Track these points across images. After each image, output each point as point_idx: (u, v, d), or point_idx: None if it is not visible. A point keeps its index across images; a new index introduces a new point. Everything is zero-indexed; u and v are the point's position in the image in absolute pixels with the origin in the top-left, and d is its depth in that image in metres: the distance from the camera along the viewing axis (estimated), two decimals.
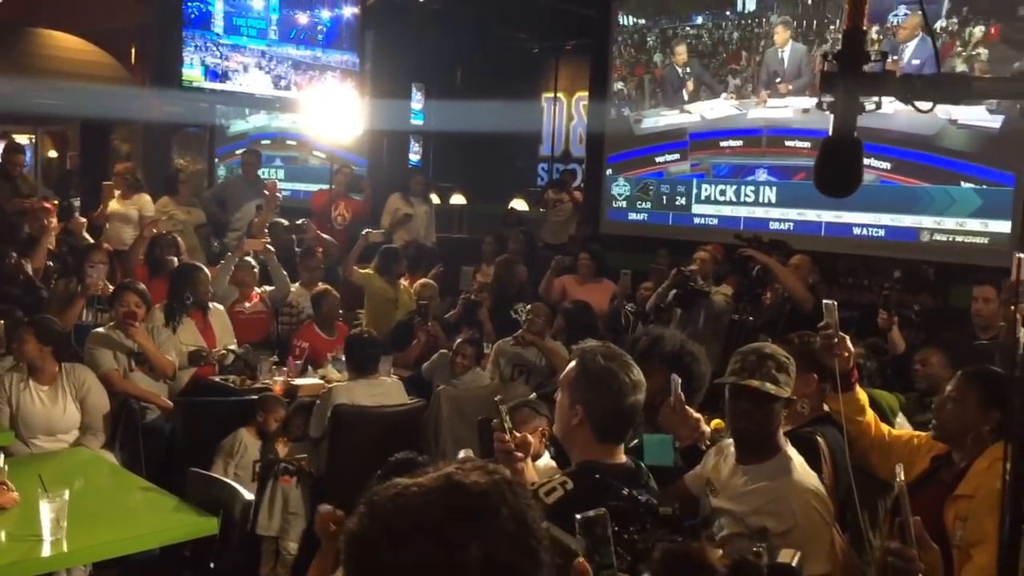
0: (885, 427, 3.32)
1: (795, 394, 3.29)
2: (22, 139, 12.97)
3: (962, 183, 7.54)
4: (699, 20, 9.32)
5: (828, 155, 1.58)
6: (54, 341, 4.88)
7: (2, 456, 3.93)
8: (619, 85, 9.99)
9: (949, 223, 7.65)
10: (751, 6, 8.88)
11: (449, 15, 11.68)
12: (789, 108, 8.59)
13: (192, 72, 7.98)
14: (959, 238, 7.61)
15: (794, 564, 1.98)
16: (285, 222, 8.11)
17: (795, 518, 2.61)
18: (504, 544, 1.02)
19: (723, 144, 9.07)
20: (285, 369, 5.90)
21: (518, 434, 2.48)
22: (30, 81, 9.57)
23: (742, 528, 2.66)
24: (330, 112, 8.86)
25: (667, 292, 6.30)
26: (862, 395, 3.29)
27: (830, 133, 1.53)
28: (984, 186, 7.45)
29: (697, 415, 3.19)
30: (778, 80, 8.68)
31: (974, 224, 7.51)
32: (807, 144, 8.32)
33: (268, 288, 6.92)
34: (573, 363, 2.56)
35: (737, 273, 6.18)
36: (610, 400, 2.44)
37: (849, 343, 3.19)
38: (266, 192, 7.78)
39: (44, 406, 4.78)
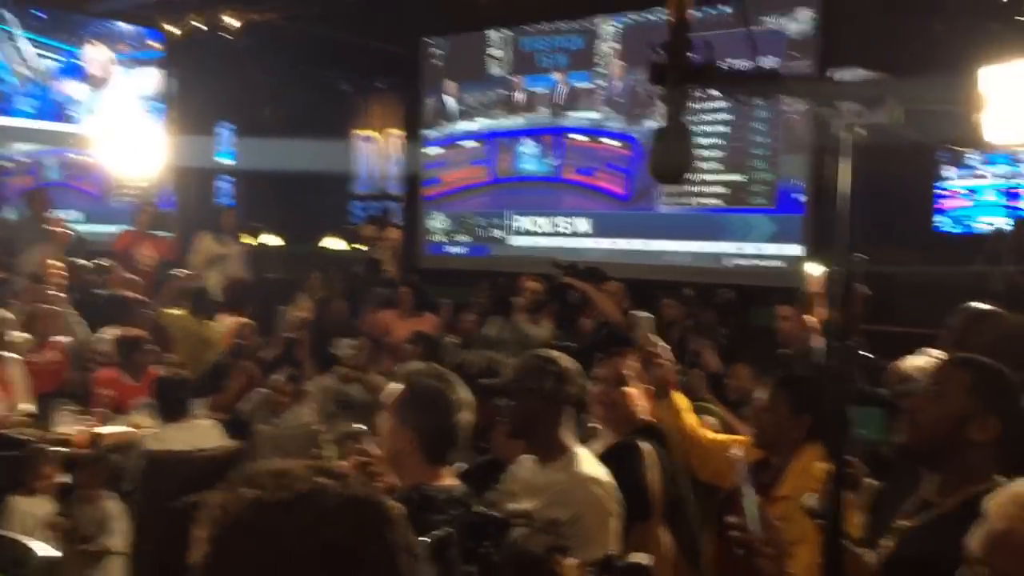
0: (706, 432, 3.46)
1: (618, 405, 3.40)
2: None
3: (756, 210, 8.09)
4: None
5: (660, 143, 1.64)
6: None
7: None
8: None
9: (749, 248, 8.15)
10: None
11: (257, 52, 11.45)
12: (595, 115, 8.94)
13: None
14: (758, 262, 8.11)
15: (645, 563, 2.03)
16: (88, 264, 7.62)
17: (579, 506, 2.72)
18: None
19: (523, 147, 9.29)
20: (88, 419, 5.50)
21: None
22: None
23: (536, 523, 2.72)
24: (127, 147, 8.43)
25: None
26: (682, 400, 3.41)
27: (662, 122, 1.59)
28: (778, 213, 8.00)
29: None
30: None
31: (770, 248, 8.04)
32: (615, 143, 8.65)
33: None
34: (401, 388, 2.56)
35: (556, 301, 6.31)
36: (438, 419, 2.45)
37: (667, 352, 3.31)
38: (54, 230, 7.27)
39: None
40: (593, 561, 2.43)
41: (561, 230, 9.19)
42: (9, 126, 7.82)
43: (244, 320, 6.78)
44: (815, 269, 5.16)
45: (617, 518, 2.87)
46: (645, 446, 3.30)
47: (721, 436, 3.48)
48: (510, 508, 2.82)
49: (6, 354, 5.72)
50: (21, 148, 12.01)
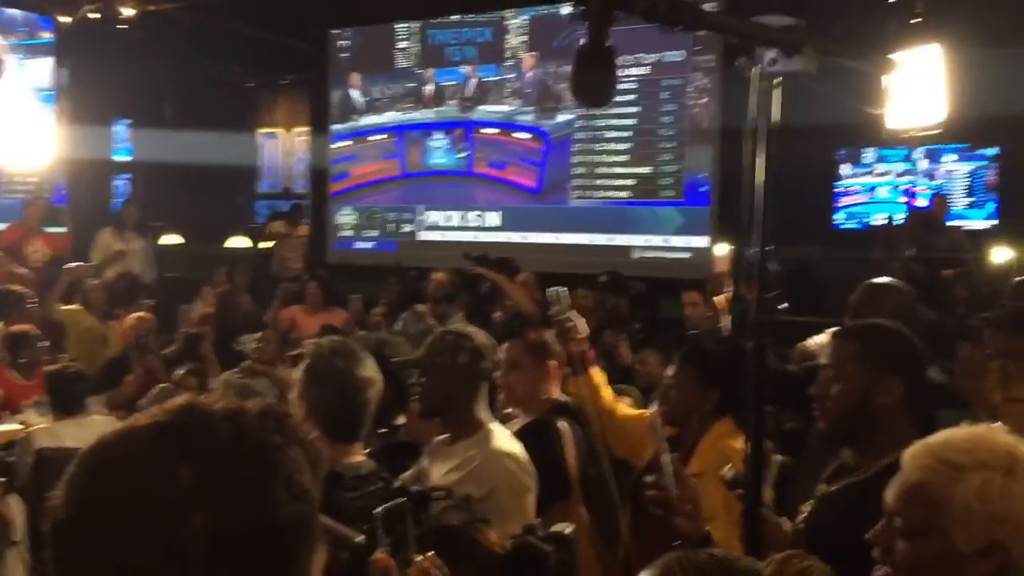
0: (622, 408, 3.45)
1: (537, 383, 3.38)
2: None
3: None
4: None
5: (582, 64, 1.61)
6: None
7: None
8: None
9: (657, 240, 8.26)
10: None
11: (154, 45, 11.09)
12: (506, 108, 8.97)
13: None
14: (666, 254, 8.23)
15: (567, 532, 2.01)
16: None
17: (493, 481, 2.70)
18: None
19: (432, 141, 9.25)
20: None
21: None
22: None
23: (451, 500, 2.69)
24: (17, 139, 8.05)
25: None
26: (598, 376, 3.40)
27: (585, 43, 1.57)
28: (685, 205, 8.13)
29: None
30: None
31: (678, 240, 8.16)
32: (526, 136, 8.67)
33: None
34: (303, 362, 2.50)
35: (467, 291, 6.27)
36: (340, 396, 2.41)
37: (582, 325, 3.29)
38: None
39: None
40: (514, 534, 2.40)
41: (472, 224, 9.16)
42: None
43: (143, 314, 6.53)
44: (720, 250, 5.25)
45: (532, 494, 2.84)
46: (561, 424, 3.29)
47: (637, 411, 3.48)
48: (427, 484, 2.78)
49: None
50: None
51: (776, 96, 1.84)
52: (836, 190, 10.85)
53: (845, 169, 10.91)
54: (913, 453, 1.56)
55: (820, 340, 3.52)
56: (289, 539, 0.88)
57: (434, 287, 6.68)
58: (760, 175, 2.11)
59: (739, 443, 2.92)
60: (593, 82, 1.64)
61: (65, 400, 4.82)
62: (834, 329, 2.29)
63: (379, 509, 1.80)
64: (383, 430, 3.25)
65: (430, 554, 1.96)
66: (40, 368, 5.85)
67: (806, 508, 2.27)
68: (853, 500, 2.09)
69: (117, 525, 0.84)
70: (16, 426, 5.13)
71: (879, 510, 1.60)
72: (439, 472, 2.81)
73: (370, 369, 2.49)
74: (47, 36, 10.63)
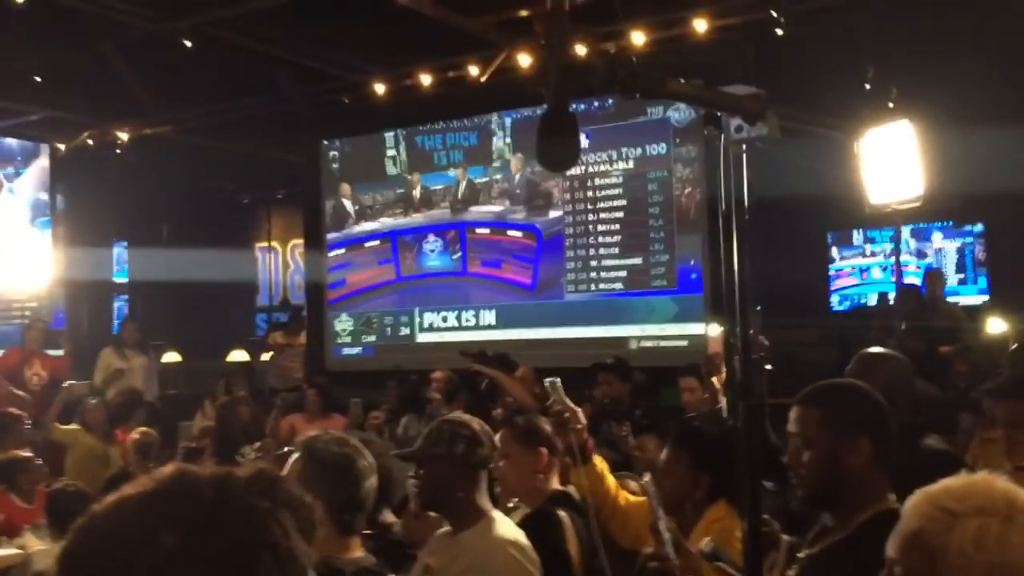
0: (625, 496, 3.41)
1: (530, 472, 3.35)
2: None
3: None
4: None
5: (546, 132, 1.66)
6: None
7: None
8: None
9: (652, 329, 8.29)
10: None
11: (149, 167, 11.33)
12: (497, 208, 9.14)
13: None
14: (662, 343, 8.25)
15: None
16: None
17: (498, 571, 2.63)
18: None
19: (426, 244, 9.35)
20: None
21: None
22: None
23: None
24: (15, 264, 8.18)
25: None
26: (600, 463, 3.37)
27: (547, 111, 1.62)
28: (679, 294, 8.20)
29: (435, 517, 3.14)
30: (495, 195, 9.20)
31: (673, 329, 8.20)
32: (518, 234, 8.80)
33: None
34: (297, 457, 2.48)
35: (466, 388, 6.27)
36: (347, 487, 2.39)
37: (581, 415, 3.28)
38: None
39: None
40: None
41: (468, 323, 9.21)
42: None
43: (146, 429, 6.50)
44: (713, 331, 5.27)
45: None
46: (563, 514, 3.25)
47: (640, 498, 3.43)
48: None
49: None
50: None
51: (743, 163, 1.90)
52: (830, 273, 10.99)
53: (835, 252, 11.05)
54: (913, 501, 1.56)
55: None
56: None
57: (436, 384, 6.69)
58: (736, 247, 2.13)
59: (737, 526, 2.89)
60: (557, 148, 1.69)
61: (66, 521, 4.74)
62: (798, 396, 2.30)
63: None
64: (368, 531, 3.20)
65: None
66: (39, 491, 5.80)
67: (791, 573, 2.24)
68: (836, 559, 2.08)
69: None
70: (15, 551, 5.07)
71: (861, 566, 1.59)
72: (442, 565, 2.77)
73: (368, 459, 2.48)
74: (45, 163, 10.84)
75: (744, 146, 1.89)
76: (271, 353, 10.63)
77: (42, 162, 10.83)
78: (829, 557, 2.11)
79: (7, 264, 8.30)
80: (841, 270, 11.05)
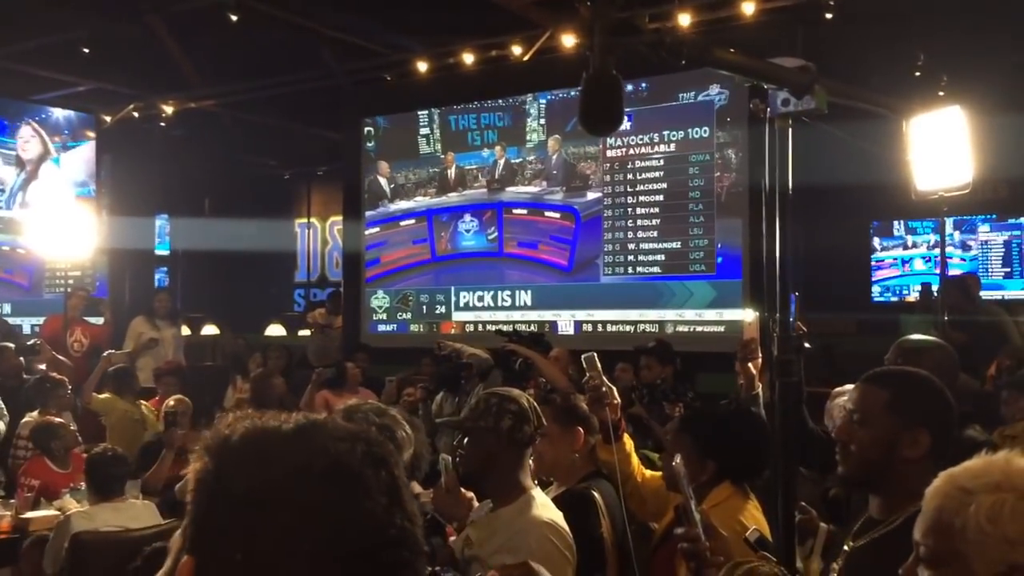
0: (646, 473, 3.39)
1: (566, 450, 3.33)
2: None
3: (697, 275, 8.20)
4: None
5: (589, 92, 1.63)
6: None
7: None
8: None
9: (689, 315, 8.22)
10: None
11: (193, 140, 11.45)
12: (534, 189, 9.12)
13: None
14: (699, 328, 8.18)
15: None
16: (12, 345, 7.39)
17: (531, 552, 2.61)
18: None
19: (462, 224, 9.33)
20: (13, 503, 5.25)
21: None
22: None
23: (486, 570, 2.62)
24: (59, 233, 8.29)
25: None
26: (629, 443, 3.35)
27: (590, 71, 1.58)
28: (717, 279, 8.12)
29: (470, 494, 3.13)
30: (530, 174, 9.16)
31: (711, 314, 8.12)
32: (556, 215, 8.75)
33: None
34: None
35: (500, 367, 6.25)
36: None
37: (615, 393, 3.26)
38: None
39: None
40: None
41: (504, 304, 9.21)
42: None
43: (179, 397, 6.58)
44: (748, 316, 5.19)
45: (571, 566, 2.77)
46: (596, 493, 3.23)
47: (656, 474, 3.39)
48: (470, 554, 2.72)
49: None
50: None
51: (788, 139, 1.85)
52: (873, 263, 10.83)
53: (877, 242, 10.90)
54: (934, 484, 1.55)
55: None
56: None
57: (470, 367, 6.68)
58: (777, 227, 2.09)
59: (745, 508, 2.85)
60: (600, 109, 1.65)
61: (104, 484, 4.83)
62: (865, 374, 2.23)
63: None
64: None
65: None
66: (75, 455, 5.90)
67: (836, 565, 2.20)
68: (881, 552, 2.03)
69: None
70: (53, 512, 5.17)
71: (903, 563, 1.57)
72: (480, 539, 2.76)
73: (407, 429, 2.47)
74: (90, 134, 10.98)
75: (790, 121, 1.84)
76: (310, 330, 10.72)
77: (88, 133, 10.97)
78: (877, 550, 2.06)
79: (52, 233, 8.41)
80: (882, 261, 10.90)
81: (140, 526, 4.77)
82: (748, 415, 3.29)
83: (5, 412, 6.32)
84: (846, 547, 2.20)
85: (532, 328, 8.05)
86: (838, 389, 3.75)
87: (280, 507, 0.87)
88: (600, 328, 8.70)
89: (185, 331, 9.76)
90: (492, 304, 9.28)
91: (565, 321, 8.87)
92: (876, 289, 10.87)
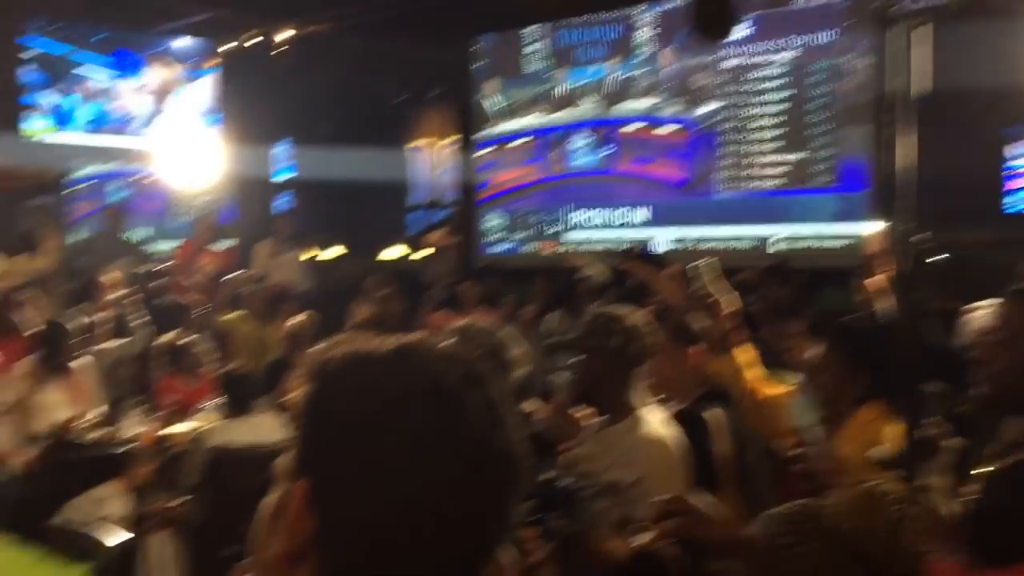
0: (764, 388, 3.31)
1: (681, 369, 3.29)
2: None
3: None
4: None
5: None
6: None
7: None
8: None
9: (809, 230, 7.97)
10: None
11: (311, 67, 11.58)
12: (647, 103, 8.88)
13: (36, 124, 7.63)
14: (819, 243, 7.93)
15: None
16: (148, 269, 7.76)
17: (644, 466, 2.62)
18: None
19: (573, 142, 9.18)
20: (153, 418, 5.57)
21: None
22: None
23: (599, 487, 2.63)
24: (188, 161, 8.61)
25: None
26: (744, 355, 3.27)
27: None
28: (841, 192, 7.81)
29: (581, 412, 3.14)
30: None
31: (832, 229, 7.85)
32: (670, 129, 8.56)
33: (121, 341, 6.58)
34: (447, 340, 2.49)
35: (615, 287, 6.22)
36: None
37: (726, 303, 3.18)
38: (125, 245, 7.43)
39: None
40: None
41: (617, 222, 9.12)
42: (71, 143, 8.08)
43: (300, 319, 6.79)
44: (872, 230, 4.99)
45: (685, 482, 2.75)
46: (712, 412, 3.19)
47: (779, 390, 3.31)
48: (579, 471, 2.73)
49: (81, 360, 5.83)
50: (85, 171, 12.34)
51: (921, 38, 1.73)
52: (1005, 172, 10.21)
53: (1013, 149, 10.25)
54: None
55: (990, 309, 3.29)
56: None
57: (583, 285, 6.68)
58: (905, 134, 1.97)
59: (890, 427, 2.76)
60: (713, 15, 1.58)
61: (235, 401, 5.07)
62: (1013, 288, 2.09)
63: None
64: None
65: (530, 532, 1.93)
66: (204, 373, 6.20)
67: (970, 489, 2.11)
68: (1020, 479, 1.93)
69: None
70: (191, 426, 5.46)
71: None
72: (590, 457, 2.78)
73: (519, 350, 2.49)
74: (214, 64, 11.25)
75: (919, 20, 1.71)
76: (425, 251, 10.87)
77: (212, 63, 11.24)
78: (1017, 476, 1.97)
79: (181, 161, 8.74)
80: (1016, 170, 10.27)
81: (270, 441, 5.00)
82: (901, 330, 3.17)
83: (141, 331, 6.65)
84: (983, 469, 2.12)
85: (645, 246, 7.96)
86: (972, 305, 3.58)
87: (379, 431, 0.88)
88: (715, 245, 8.53)
89: (306, 255, 10.03)
90: (605, 223, 9.20)
91: (678, 238, 8.73)
92: (1011, 199, 10.27)
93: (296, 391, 0.96)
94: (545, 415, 3.28)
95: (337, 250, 11.96)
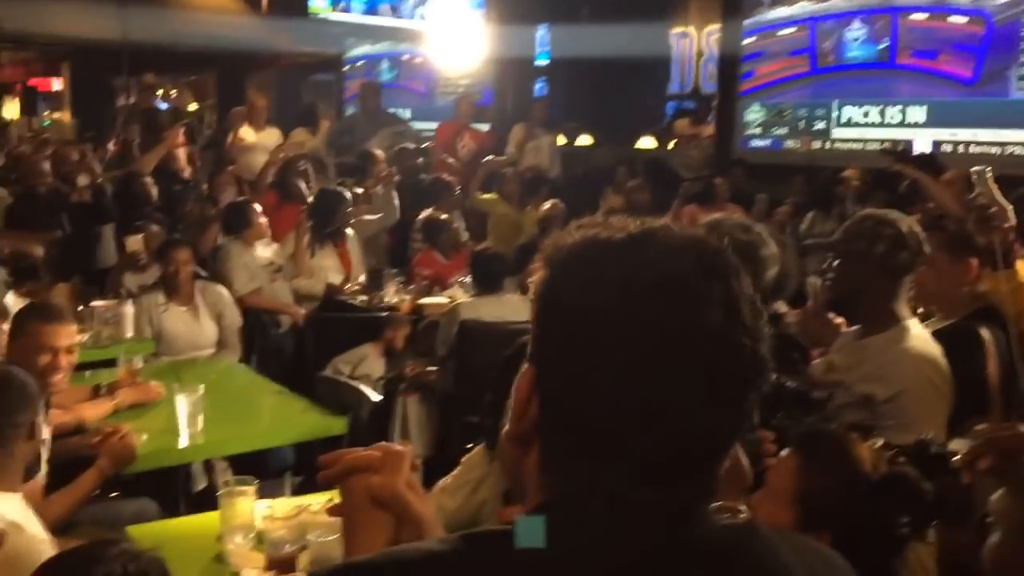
0: None
1: (953, 283, 3.05)
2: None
3: None
4: None
5: None
6: (200, 262, 5.01)
7: (140, 358, 4.05)
8: None
9: None
10: None
11: None
12: None
13: (318, 3, 8.05)
14: None
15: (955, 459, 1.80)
16: (411, 146, 8.09)
17: (902, 382, 2.44)
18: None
19: (849, 31, 8.54)
20: (412, 288, 5.92)
21: None
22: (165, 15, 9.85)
23: (850, 398, 2.51)
24: (454, 43, 8.82)
25: None
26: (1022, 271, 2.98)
27: None
28: None
29: (839, 319, 3.00)
30: None
31: None
32: (962, 20, 7.84)
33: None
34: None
35: (884, 190, 5.82)
36: (753, 277, 2.28)
37: (1010, 214, 2.89)
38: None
39: (186, 326, 4.86)
40: (904, 445, 2.18)
41: (892, 120, 8.45)
42: (347, 21, 8.48)
43: (552, 203, 6.89)
44: None
45: (946, 402, 2.57)
46: (983, 331, 2.95)
47: None
48: (834, 379, 2.63)
49: (348, 231, 6.25)
50: (359, 51, 13.00)
51: None
52: None
53: None
54: None
55: None
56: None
57: (845, 187, 6.30)
58: None
59: None
60: None
61: (485, 278, 5.26)
62: None
63: None
64: None
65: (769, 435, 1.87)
66: (459, 250, 6.47)
67: None
68: None
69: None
70: (444, 299, 5.75)
71: None
72: (845, 366, 2.65)
73: (772, 248, 2.37)
74: None
75: None
76: (680, 142, 10.62)
77: None
78: None
79: (447, 43, 8.97)
80: None
81: (516, 319, 5.18)
82: None
83: (398, 206, 7.00)
84: None
85: (922, 147, 7.36)
86: None
87: (608, 321, 0.84)
88: (1005, 151, 7.73)
89: (561, 140, 10.10)
90: (879, 120, 8.55)
91: (962, 140, 7.98)
92: None
93: (535, 275, 0.94)
94: (798, 318, 3.17)
95: (591, 137, 11.95)
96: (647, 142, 11.38)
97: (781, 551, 0.90)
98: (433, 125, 10.95)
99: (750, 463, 1.74)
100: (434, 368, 4.90)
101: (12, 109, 16.03)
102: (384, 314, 5.35)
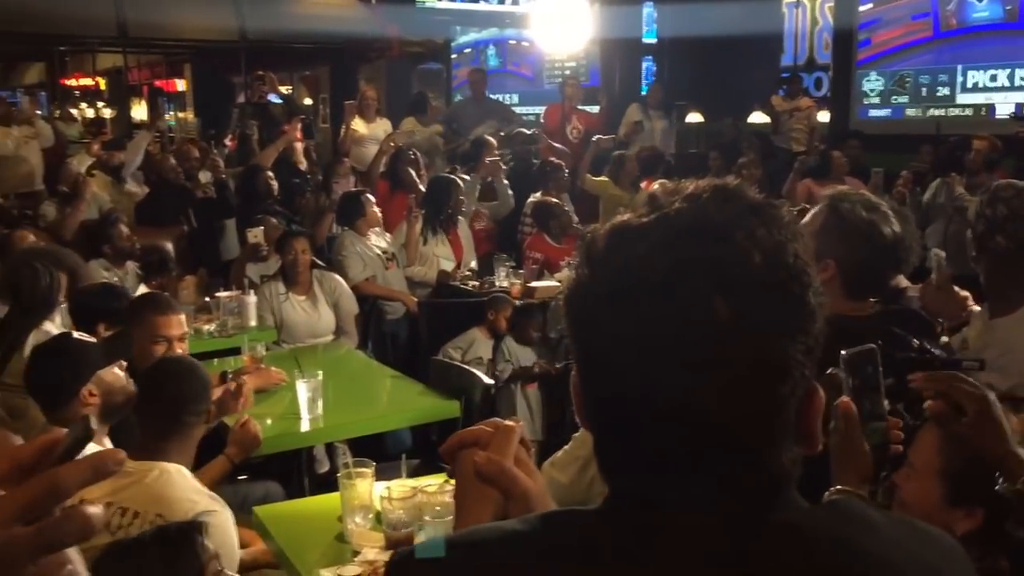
0: None
1: None
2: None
3: None
4: None
5: None
6: (316, 252, 5.15)
7: (263, 345, 4.21)
8: None
9: None
10: None
11: None
12: None
13: None
14: None
15: None
16: (527, 131, 8.12)
17: (1020, 375, 2.28)
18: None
19: None
20: (522, 272, 5.95)
21: None
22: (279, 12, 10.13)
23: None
24: (559, 23, 8.78)
25: None
26: None
27: None
28: None
29: (965, 293, 2.87)
30: None
31: None
32: None
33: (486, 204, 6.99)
34: (819, 210, 2.31)
35: (1013, 157, 5.54)
36: (867, 253, 2.19)
37: None
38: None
39: (306, 314, 5.01)
40: None
41: (1022, 83, 8.00)
42: (453, 8, 8.56)
43: (662, 183, 6.81)
44: None
45: None
46: None
47: None
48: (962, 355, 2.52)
49: (460, 219, 6.32)
50: (466, 38, 13.09)
51: None
52: None
53: None
54: None
55: None
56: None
57: (973, 155, 5.99)
58: None
59: None
60: None
61: None
62: None
63: (846, 352, 1.62)
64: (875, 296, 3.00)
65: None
66: (569, 234, 6.45)
67: None
68: None
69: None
70: (554, 283, 5.76)
71: None
72: (976, 347, 2.52)
73: (894, 226, 2.27)
74: None
75: None
76: (795, 115, 10.31)
77: None
78: None
79: (553, 25, 8.94)
80: None
81: None
82: None
83: (511, 193, 7.03)
84: None
85: None
86: None
87: (635, 304, 0.82)
88: None
89: (673, 119, 9.96)
90: (1008, 84, 8.11)
91: None
92: None
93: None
94: (921, 292, 3.04)
95: (701, 115, 11.73)
96: (758, 117, 11.10)
97: (871, 539, 0.84)
98: (540, 109, 10.97)
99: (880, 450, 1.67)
100: (559, 365, 4.91)
101: (140, 110, 16.83)
102: (493, 300, 5.40)
